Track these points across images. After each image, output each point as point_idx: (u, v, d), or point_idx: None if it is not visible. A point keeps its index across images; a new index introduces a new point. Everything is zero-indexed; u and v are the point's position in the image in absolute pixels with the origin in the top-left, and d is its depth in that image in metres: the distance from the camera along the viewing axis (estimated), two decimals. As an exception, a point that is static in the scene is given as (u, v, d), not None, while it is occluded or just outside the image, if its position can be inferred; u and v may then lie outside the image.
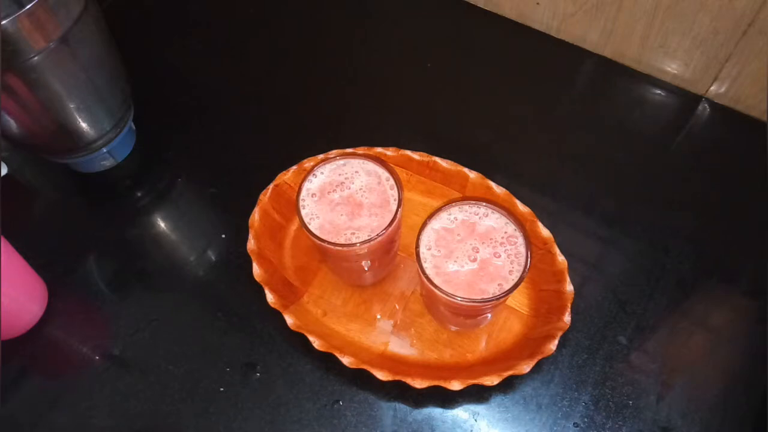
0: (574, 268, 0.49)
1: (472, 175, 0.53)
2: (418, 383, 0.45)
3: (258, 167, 0.56)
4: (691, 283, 0.52)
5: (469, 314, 0.46)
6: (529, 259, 0.41)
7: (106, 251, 0.57)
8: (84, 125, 0.54)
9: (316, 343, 0.47)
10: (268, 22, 0.72)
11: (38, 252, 0.53)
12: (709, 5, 0.54)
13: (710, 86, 0.61)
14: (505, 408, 0.47)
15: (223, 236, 0.56)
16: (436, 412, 0.47)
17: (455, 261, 0.42)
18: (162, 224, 0.58)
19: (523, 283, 0.41)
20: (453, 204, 0.44)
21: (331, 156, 0.50)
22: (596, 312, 0.50)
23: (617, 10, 0.60)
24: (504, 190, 0.52)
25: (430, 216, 0.44)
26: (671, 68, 0.62)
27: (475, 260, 0.42)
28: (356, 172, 0.46)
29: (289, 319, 0.48)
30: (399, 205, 0.44)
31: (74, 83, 0.51)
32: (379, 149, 0.55)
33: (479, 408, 0.47)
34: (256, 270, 0.50)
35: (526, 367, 0.45)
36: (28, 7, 0.43)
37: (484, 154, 0.58)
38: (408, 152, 0.55)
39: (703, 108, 0.62)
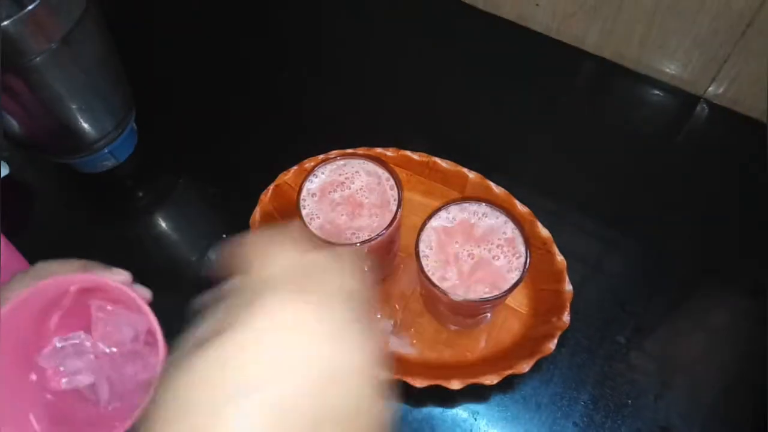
0: (573, 268, 0.49)
1: (472, 175, 0.53)
2: (418, 383, 0.45)
3: (258, 167, 0.56)
4: (691, 283, 0.52)
5: (468, 314, 0.46)
6: (528, 259, 0.41)
7: (106, 251, 0.57)
8: (86, 126, 0.54)
9: (317, 342, 0.46)
10: (268, 22, 0.73)
11: (39, 252, 0.53)
12: (709, 6, 0.54)
13: (709, 87, 0.61)
14: (504, 407, 0.47)
15: (224, 236, 0.56)
16: (435, 411, 0.47)
17: (455, 261, 0.42)
18: (163, 224, 0.58)
19: (522, 283, 0.41)
20: (453, 204, 0.44)
21: (332, 156, 0.50)
22: (596, 312, 0.50)
23: (617, 11, 0.60)
24: (503, 190, 0.52)
25: (430, 216, 0.44)
26: (670, 69, 0.62)
27: (474, 260, 0.42)
28: (356, 172, 0.46)
29: (290, 319, 0.48)
30: (399, 206, 0.44)
31: (76, 84, 0.51)
32: (379, 149, 0.55)
33: (479, 407, 0.47)
34: (257, 270, 0.50)
35: (525, 367, 0.45)
36: (29, 8, 0.43)
37: (484, 154, 0.58)
38: (408, 152, 0.55)
39: (702, 108, 0.62)
